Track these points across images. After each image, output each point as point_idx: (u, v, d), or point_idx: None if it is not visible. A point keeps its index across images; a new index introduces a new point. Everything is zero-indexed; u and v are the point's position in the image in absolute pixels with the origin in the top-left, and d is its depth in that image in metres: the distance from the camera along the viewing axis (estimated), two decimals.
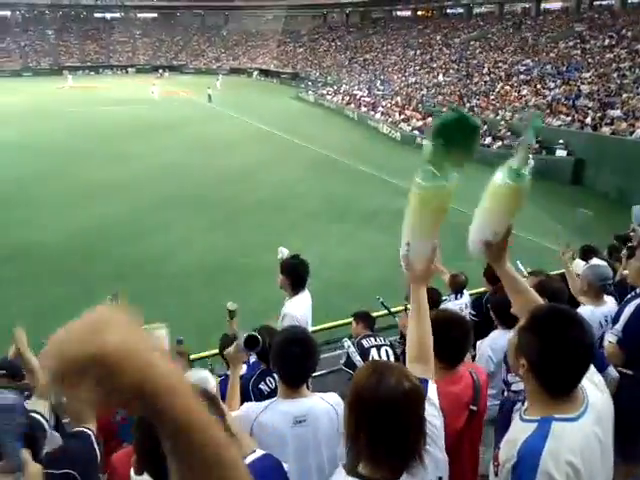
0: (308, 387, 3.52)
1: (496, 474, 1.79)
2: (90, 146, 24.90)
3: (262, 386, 3.57)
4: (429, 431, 1.67)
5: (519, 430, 1.78)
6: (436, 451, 1.81)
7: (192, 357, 5.22)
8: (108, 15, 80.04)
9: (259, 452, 1.74)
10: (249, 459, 1.69)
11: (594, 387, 1.86)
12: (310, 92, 46.53)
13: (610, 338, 3.73)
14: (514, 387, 3.13)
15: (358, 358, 3.94)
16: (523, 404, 1.96)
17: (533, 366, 1.76)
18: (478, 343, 3.82)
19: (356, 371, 1.71)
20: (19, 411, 1.35)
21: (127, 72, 69.65)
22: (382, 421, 1.54)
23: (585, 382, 1.81)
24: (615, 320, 3.87)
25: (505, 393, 3.32)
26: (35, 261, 12.69)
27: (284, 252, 4.99)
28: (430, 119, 30.14)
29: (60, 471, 2.15)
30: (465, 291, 5.65)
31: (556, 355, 1.71)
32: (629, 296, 3.85)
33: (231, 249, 13.33)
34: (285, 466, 1.87)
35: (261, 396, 3.39)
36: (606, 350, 3.67)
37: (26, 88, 48.91)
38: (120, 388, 0.72)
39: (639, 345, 3.58)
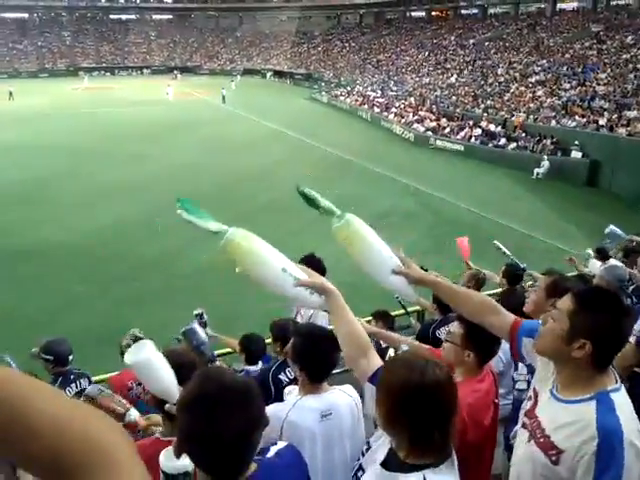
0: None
1: (555, 462, 1.77)
2: (106, 147, 25.13)
3: (282, 376, 3.61)
4: None
5: (574, 411, 1.79)
6: None
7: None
8: (124, 16, 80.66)
9: (281, 443, 1.76)
10: (273, 450, 1.70)
11: None
12: (323, 93, 46.55)
13: (630, 339, 3.71)
14: (518, 385, 3.15)
15: None
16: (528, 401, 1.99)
17: (596, 343, 1.77)
18: None
19: (388, 367, 1.74)
20: None
21: (142, 73, 70.18)
22: (427, 411, 1.58)
23: None
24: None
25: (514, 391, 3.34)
26: (52, 260, 12.84)
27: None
28: (444, 119, 30.08)
29: None
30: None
31: (618, 328, 1.80)
32: None
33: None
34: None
35: (280, 387, 3.41)
36: (623, 351, 3.64)
37: (43, 89, 49.48)
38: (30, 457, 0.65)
39: None
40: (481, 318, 2.25)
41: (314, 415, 2.38)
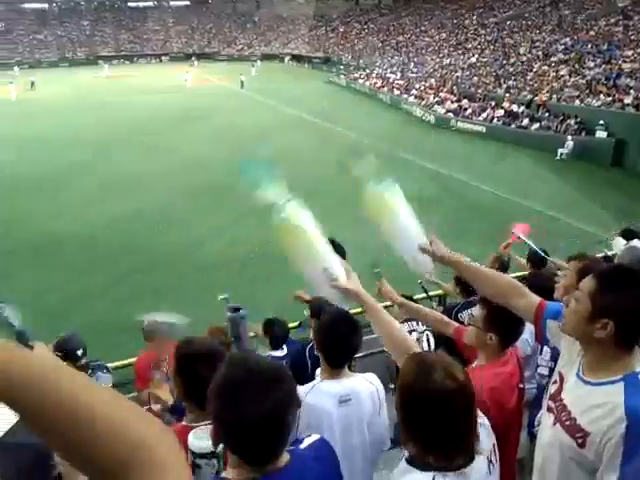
0: (351, 368, 3.57)
1: (581, 445, 1.76)
2: (125, 137, 25.27)
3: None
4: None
5: (603, 393, 1.77)
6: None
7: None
8: (141, 4, 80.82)
9: (315, 436, 1.77)
10: (306, 442, 1.70)
11: None
12: (342, 76, 46.22)
13: None
14: (540, 370, 3.12)
15: None
16: (548, 386, 1.97)
17: (619, 323, 1.75)
18: None
19: (402, 369, 1.73)
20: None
21: (161, 60, 70.43)
22: (431, 417, 1.57)
23: None
24: None
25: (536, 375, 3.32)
26: (68, 250, 13.00)
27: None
28: (465, 100, 29.66)
29: None
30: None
31: (636, 306, 1.75)
32: None
33: (263, 237, 13.39)
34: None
35: (317, 362, 3.44)
36: None
37: (64, 78, 49.99)
38: None
39: None
40: (505, 300, 2.22)
41: (332, 399, 2.40)
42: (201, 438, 1.74)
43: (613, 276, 1.86)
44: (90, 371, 4.24)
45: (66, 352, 4.09)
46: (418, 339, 4.50)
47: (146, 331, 4.45)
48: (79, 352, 4.12)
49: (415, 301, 4.93)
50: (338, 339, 2.43)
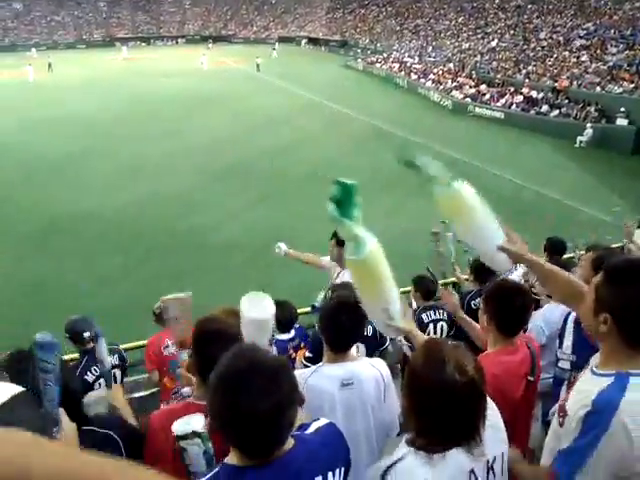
0: (357, 347, 3.57)
1: (561, 425, 1.80)
2: (143, 120, 25.36)
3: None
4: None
5: (593, 383, 1.78)
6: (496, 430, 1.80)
7: None
8: None
9: (323, 420, 1.76)
10: (313, 427, 1.70)
11: None
12: (359, 60, 45.80)
13: None
14: (561, 364, 3.07)
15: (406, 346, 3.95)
16: (570, 380, 1.94)
17: (617, 318, 1.74)
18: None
19: (412, 355, 1.74)
20: (58, 349, 1.38)
21: (177, 43, 70.34)
22: (435, 408, 1.59)
23: None
24: None
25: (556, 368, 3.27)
26: (88, 233, 13.10)
27: (282, 247, 5.45)
28: (484, 86, 29.29)
29: (103, 431, 2.23)
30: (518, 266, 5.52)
31: (637, 301, 1.71)
32: None
33: (279, 222, 13.41)
34: None
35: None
36: None
37: (81, 60, 50.13)
38: None
39: None
40: (570, 303, 2.24)
41: (333, 382, 2.42)
42: (184, 423, 1.74)
43: (618, 270, 1.81)
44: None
45: (74, 334, 4.09)
46: (432, 326, 4.52)
47: (157, 313, 4.50)
48: (86, 334, 4.04)
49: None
50: (340, 324, 2.45)
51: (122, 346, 5.04)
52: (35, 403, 1.24)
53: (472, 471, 1.65)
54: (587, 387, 1.78)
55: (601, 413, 1.66)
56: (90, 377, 3.96)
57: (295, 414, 1.49)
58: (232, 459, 1.50)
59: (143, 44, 68.21)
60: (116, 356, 4.33)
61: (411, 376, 1.67)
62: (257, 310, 2.30)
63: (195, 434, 1.68)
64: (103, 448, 2.10)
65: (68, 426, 1.49)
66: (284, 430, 1.46)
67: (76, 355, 4.56)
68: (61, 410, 1.51)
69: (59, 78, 38.58)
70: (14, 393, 1.17)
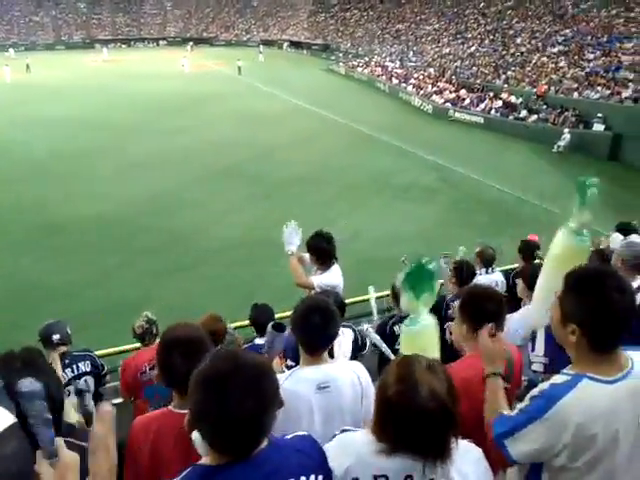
0: (332, 355, 3.56)
1: (520, 399, 1.94)
2: (132, 121, 25.21)
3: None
4: None
5: (556, 378, 1.85)
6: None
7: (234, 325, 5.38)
8: None
9: (302, 432, 1.77)
10: (290, 435, 1.70)
11: None
12: (341, 64, 45.94)
13: None
14: (534, 367, 3.12)
15: (377, 338, 3.95)
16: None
17: (584, 328, 1.79)
18: (508, 317, 3.81)
19: (385, 372, 1.69)
20: (41, 396, 1.39)
21: (158, 45, 69.85)
22: (397, 426, 1.56)
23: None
24: None
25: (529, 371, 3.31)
26: (83, 232, 13.06)
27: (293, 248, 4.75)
28: (464, 91, 29.57)
29: (80, 443, 2.12)
30: (496, 267, 5.60)
31: (604, 309, 1.75)
32: None
33: (271, 222, 13.41)
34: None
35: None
36: None
37: (60, 62, 49.54)
38: None
39: None
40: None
41: (309, 385, 2.40)
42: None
43: (577, 280, 1.86)
44: (67, 361, 4.09)
45: (43, 338, 4.05)
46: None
47: (137, 333, 4.30)
48: (55, 337, 4.02)
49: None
50: (312, 327, 2.44)
51: (110, 350, 4.94)
52: (23, 435, 1.26)
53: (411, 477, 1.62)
54: (552, 379, 1.87)
55: (545, 400, 1.78)
56: None
57: (274, 416, 1.51)
58: (204, 460, 1.51)
59: (123, 46, 67.61)
60: (88, 362, 4.19)
61: (382, 400, 1.62)
62: None
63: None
64: (83, 461, 2.07)
65: (67, 456, 1.48)
66: (264, 431, 1.48)
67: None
68: (59, 440, 1.51)
69: (37, 79, 38.10)
70: (4, 426, 1.18)
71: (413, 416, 1.52)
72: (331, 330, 2.52)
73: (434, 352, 2.30)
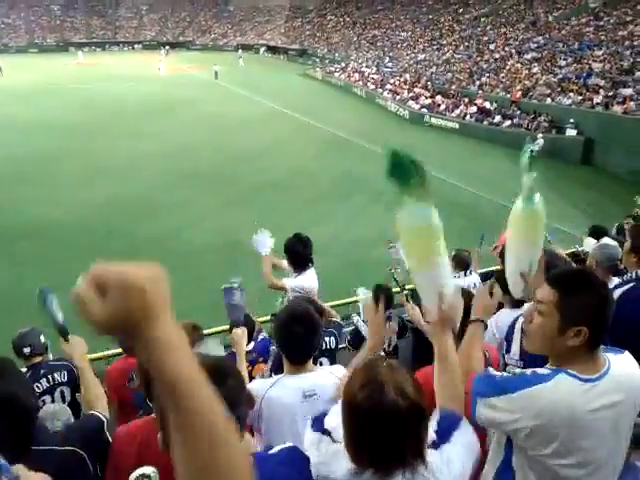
0: (321, 363, 3.53)
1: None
2: (101, 124, 24.87)
3: None
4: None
5: (539, 369, 1.87)
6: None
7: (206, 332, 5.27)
8: None
9: (289, 444, 1.73)
10: (276, 449, 1.67)
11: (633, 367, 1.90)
12: (318, 69, 46.08)
13: None
14: (509, 370, 3.13)
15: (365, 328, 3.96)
16: None
17: (593, 326, 1.78)
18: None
19: (352, 374, 1.64)
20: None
21: (133, 48, 69.23)
22: (370, 432, 1.51)
23: (618, 359, 1.88)
24: None
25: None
26: (50, 238, 12.79)
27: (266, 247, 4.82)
28: (439, 96, 29.88)
29: (64, 448, 2.10)
30: (474, 270, 5.66)
31: (607, 305, 1.81)
32: (617, 282, 3.76)
33: (243, 227, 13.34)
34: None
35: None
36: None
37: (34, 65, 48.79)
38: (129, 308, 0.80)
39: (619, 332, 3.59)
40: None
41: (295, 393, 2.40)
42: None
43: (573, 281, 1.86)
44: (43, 371, 3.92)
45: (15, 349, 3.93)
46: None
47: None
48: (25, 350, 3.90)
49: (391, 296, 4.98)
50: (294, 337, 2.43)
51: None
52: None
53: None
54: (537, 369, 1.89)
55: (522, 380, 1.81)
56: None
57: (243, 415, 1.48)
58: None
59: (98, 49, 66.89)
60: (64, 372, 4.01)
61: (349, 405, 1.55)
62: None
63: (145, 476, 1.67)
64: (68, 467, 2.03)
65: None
66: None
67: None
68: (17, 467, 1.48)
69: (10, 82, 37.45)
70: None
71: (384, 418, 1.47)
72: (314, 339, 2.52)
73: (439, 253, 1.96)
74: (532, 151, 2.14)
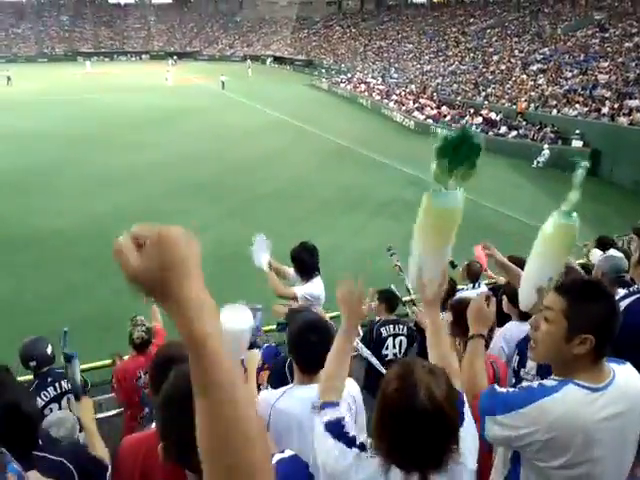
0: None
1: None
2: (106, 134, 24.97)
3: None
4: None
5: (545, 381, 1.88)
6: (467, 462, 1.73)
7: None
8: (122, 0, 79.99)
9: (288, 452, 1.73)
10: (276, 458, 1.66)
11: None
12: (324, 80, 46.30)
13: None
14: (524, 384, 3.08)
15: (367, 352, 3.94)
16: None
17: (599, 334, 1.78)
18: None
19: (386, 375, 1.67)
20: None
21: (141, 58, 69.81)
22: (405, 434, 1.54)
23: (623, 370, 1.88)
24: None
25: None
26: (52, 247, 12.76)
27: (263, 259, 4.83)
28: (445, 107, 29.95)
29: (56, 458, 2.16)
30: (482, 281, 5.62)
31: (614, 315, 1.81)
32: (623, 293, 3.73)
33: (246, 237, 13.31)
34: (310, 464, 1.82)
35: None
36: None
37: (42, 74, 49.19)
38: (164, 261, 0.85)
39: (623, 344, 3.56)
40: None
41: (304, 404, 2.35)
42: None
43: (582, 290, 1.86)
44: (50, 379, 3.94)
45: (22, 360, 3.93)
46: (391, 340, 4.60)
47: (137, 343, 4.27)
48: (32, 364, 3.90)
49: (397, 300, 5.02)
50: (309, 345, 2.42)
51: (85, 366, 4.83)
52: None
53: None
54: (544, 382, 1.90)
55: (530, 394, 1.81)
56: (40, 402, 3.79)
57: None
58: None
59: (106, 59, 67.47)
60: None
61: (382, 399, 1.61)
62: (233, 321, 2.25)
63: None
64: (55, 476, 2.04)
65: None
66: None
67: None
68: (33, 473, 1.50)
69: (19, 91, 37.79)
70: None
71: (409, 416, 1.51)
72: (327, 348, 2.50)
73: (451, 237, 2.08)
74: (585, 167, 2.16)
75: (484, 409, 1.90)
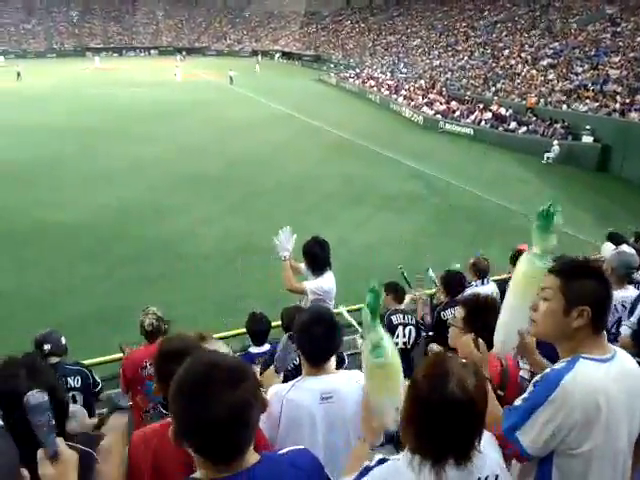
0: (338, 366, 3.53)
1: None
2: (112, 128, 25.09)
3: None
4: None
5: (555, 364, 1.94)
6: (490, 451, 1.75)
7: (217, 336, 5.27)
8: None
9: (299, 446, 1.72)
10: (285, 449, 1.67)
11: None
12: (332, 75, 46.20)
13: (625, 331, 3.74)
14: (521, 373, 3.09)
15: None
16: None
17: (595, 306, 1.89)
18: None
19: (419, 369, 1.68)
20: (46, 407, 1.44)
21: (150, 54, 69.96)
22: (432, 422, 1.55)
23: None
24: (631, 312, 3.85)
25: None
26: (56, 241, 12.79)
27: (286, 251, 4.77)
28: (454, 102, 29.79)
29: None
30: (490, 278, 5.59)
31: (606, 290, 1.94)
32: None
33: (250, 230, 13.33)
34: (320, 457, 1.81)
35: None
36: (621, 342, 3.64)
37: (52, 69, 49.46)
38: None
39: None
40: None
41: (313, 395, 2.39)
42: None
43: (573, 267, 2.00)
44: (58, 374, 3.81)
45: (36, 345, 4.02)
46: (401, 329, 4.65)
47: (148, 330, 4.24)
48: (46, 346, 4.00)
49: (403, 291, 5.12)
50: (316, 338, 2.43)
51: (88, 361, 4.83)
52: (6, 439, 1.29)
53: None
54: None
55: (547, 382, 1.85)
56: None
57: (256, 417, 1.48)
58: (197, 474, 1.48)
59: (115, 54, 67.69)
60: (78, 378, 4.10)
61: (412, 386, 1.63)
62: None
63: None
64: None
65: (67, 455, 1.51)
66: (243, 433, 1.44)
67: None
68: (59, 440, 1.53)
69: (28, 87, 37.95)
70: None
71: (438, 405, 1.53)
72: (335, 340, 2.52)
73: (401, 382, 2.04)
74: (555, 213, 2.17)
75: (510, 427, 1.89)
